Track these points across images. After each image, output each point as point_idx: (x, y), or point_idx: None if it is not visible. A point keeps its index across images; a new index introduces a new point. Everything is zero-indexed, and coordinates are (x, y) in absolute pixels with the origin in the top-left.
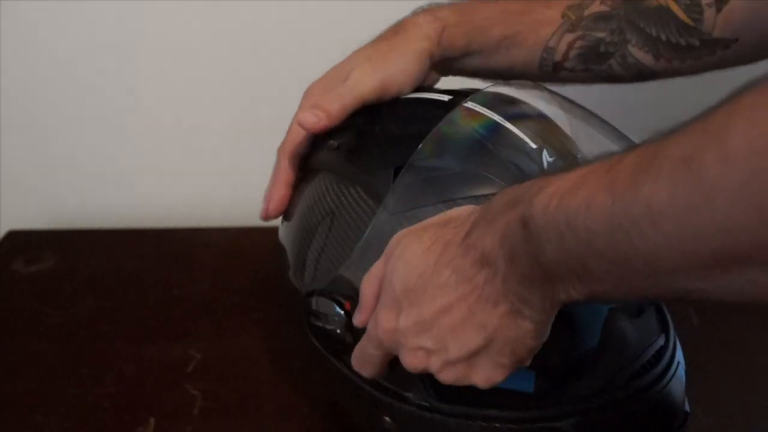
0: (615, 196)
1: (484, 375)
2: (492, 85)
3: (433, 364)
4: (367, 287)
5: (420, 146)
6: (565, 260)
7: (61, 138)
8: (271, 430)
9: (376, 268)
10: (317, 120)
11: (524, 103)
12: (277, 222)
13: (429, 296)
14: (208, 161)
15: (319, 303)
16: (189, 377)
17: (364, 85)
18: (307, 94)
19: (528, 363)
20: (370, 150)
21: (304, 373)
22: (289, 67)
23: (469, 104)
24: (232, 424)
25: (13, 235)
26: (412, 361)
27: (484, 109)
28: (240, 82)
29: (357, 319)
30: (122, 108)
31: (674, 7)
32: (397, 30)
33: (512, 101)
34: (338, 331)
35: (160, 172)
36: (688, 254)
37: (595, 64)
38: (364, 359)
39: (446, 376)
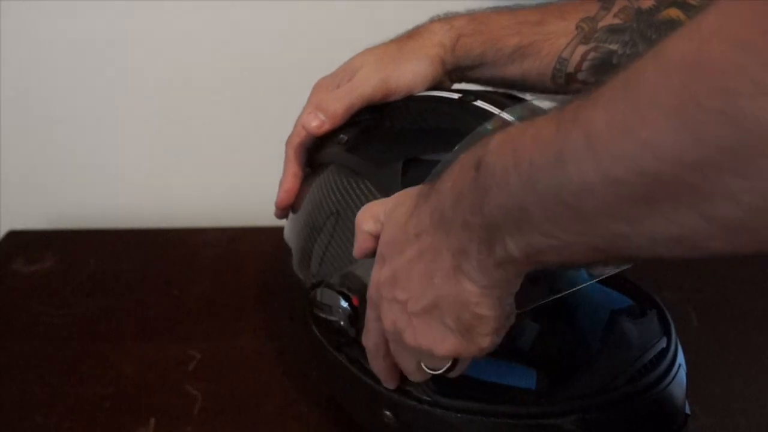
0: (559, 127)
1: (432, 337)
2: (531, 99)
3: (401, 319)
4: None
5: (456, 147)
6: (505, 203)
7: (60, 138)
8: (271, 430)
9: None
10: (320, 124)
11: None
12: (277, 222)
13: (399, 248)
14: (208, 161)
15: (323, 294)
16: (189, 377)
17: (368, 84)
18: (315, 89)
19: (487, 342)
20: (378, 144)
21: (304, 373)
22: (289, 67)
23: (505, 116)
24: (232, 424)
25: (13, 235)
26: (388, 314)
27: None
28: (240, 82)
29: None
30: (122, 108)
31: (686, 21)
32: (411, 35)
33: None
34: (341, 323)
35: (160, 172)
36: (616, 182)
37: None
38: (366, 329)
39: (408, 337)
